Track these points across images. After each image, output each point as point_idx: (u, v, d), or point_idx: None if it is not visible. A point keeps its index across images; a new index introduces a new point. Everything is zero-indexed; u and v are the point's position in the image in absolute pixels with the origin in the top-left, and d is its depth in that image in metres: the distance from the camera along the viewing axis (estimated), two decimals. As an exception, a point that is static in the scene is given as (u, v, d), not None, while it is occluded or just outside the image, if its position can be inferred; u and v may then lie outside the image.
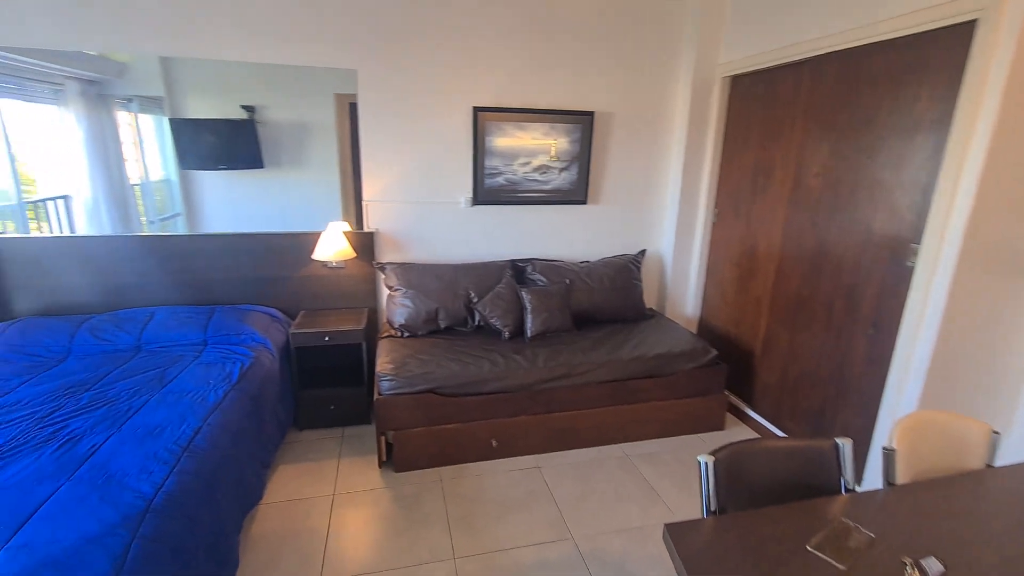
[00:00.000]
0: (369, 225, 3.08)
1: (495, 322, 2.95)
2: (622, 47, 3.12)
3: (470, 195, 3.16)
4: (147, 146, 3.02)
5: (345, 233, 2.95)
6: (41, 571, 1.23)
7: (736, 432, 2.98)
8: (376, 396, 2.46)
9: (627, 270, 3.28)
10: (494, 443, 2.61)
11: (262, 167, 2.98)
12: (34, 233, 2.82)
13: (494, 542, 2.09)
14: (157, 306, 2.84)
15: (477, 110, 2.99)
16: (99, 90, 2.82)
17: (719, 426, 2.95)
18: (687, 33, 3.14)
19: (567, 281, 3.16)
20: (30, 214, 2.88)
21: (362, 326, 2.83)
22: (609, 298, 3.18)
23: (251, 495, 2.08)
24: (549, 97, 3.10)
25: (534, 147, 3.15)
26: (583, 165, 3.24)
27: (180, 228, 3.03)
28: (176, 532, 1.47)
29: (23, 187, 2.88)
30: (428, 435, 2.51)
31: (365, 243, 3.07)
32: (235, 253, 2.93)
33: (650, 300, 3.61)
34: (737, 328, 3.14)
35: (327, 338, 2.75)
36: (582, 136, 3.18)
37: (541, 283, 3.15)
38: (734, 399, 3.17)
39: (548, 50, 3.02)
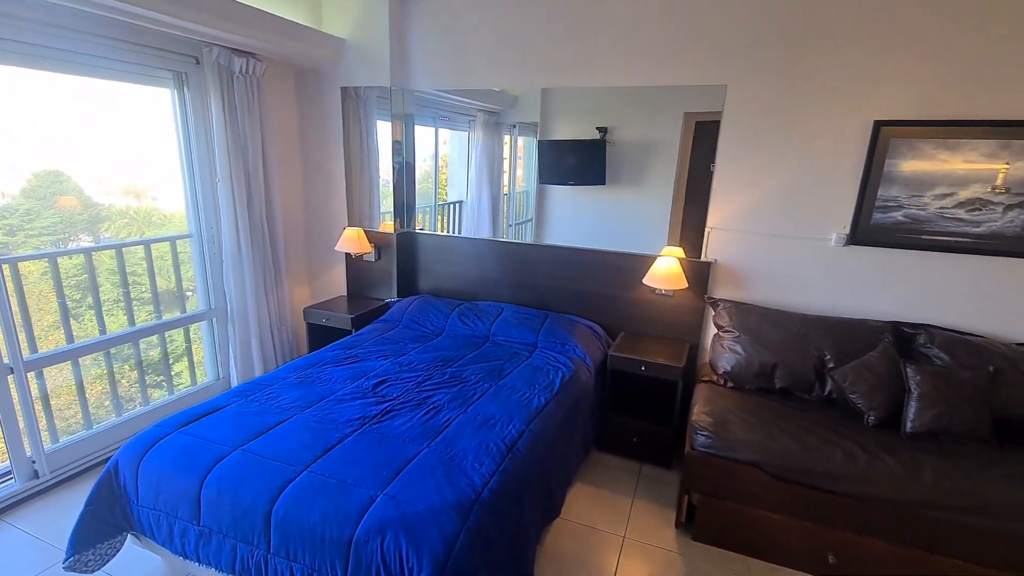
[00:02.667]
0: (707, 254, 2.80)
1: (856, 400, 2.26)
2: None
3: (845, 231, 2.50)
4: (518, 163, 3.58)
5: (679, 259, 2.76)
6: (397, 526, 1.46)
7: None
8: (687, 449, 2.19)
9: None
10: (831, 559, 1.99)
11: (603, 184, 3.14)
12: (436, 230, 3.64)
13: None
14: (504, 303, 3.28)
15: (880, 124, 2.33)
16: (496, 119, 3.51)
17: None
18: None
19: (990, 368, 2.17)
20: (438, 215, 3.77)
21: (682, 363, 2.59)
22: (1075, 411, 2.03)
23: (552, 509, 2.13)
24: (1005, 103, 2.16)
25: (965, 173, 2.26)
26: (1056, 202, 2.15)
27: (528, 232, 3.48)
28: (491, 531, 1.57)
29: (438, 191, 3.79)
30: (742, 515, 2.10)
31: (699, 273, 2.80)
32: (570, 265, 3.12)
33: None
34: None
35: (643, 368, 2.63)
36: (1064, 159, 2.10)
37: (940, 362, 2.26)
38: None
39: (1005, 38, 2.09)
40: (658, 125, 2.94)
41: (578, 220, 3.32)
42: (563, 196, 3.35)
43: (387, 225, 3.54)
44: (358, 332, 3.04)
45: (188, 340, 3.16)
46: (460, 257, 3.43)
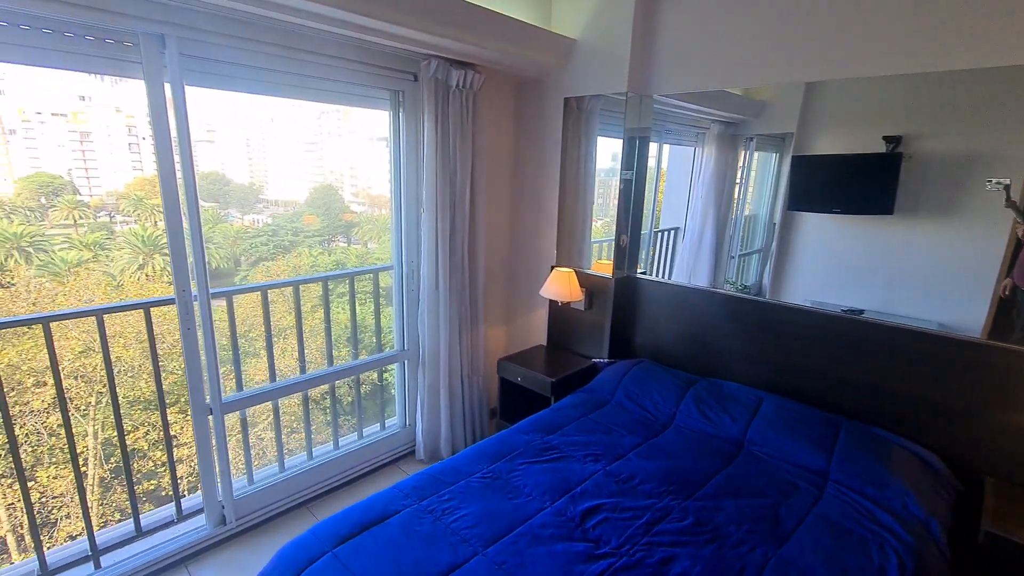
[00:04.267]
0: None
1: None
2: None
3: None
4: (749, 183, 2.66)
5: None
6: None
7: None
8: None
9: None
10: None
11: (890, 213, 2.04)
12: (647, 263, 2.81)
13: None
14: (756, 387, 2.30)
15: None
16: (733, 131, 2.60)
17: None
18: None
19: None
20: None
21: None
22: None
23: None
24: None
25: None
26: None
27: (753, 267, 2.56)
28: None
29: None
30: None
31: None
32: (849, 342, 2.03)
33: None
34: None
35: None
36: None
37: None
38: None
39: None
40: (989, 130, 1.78)
41: (845, 262, 2.20)
42: (822, 228, 2.31)
43: (602, 265, 2.85)
44: (559, 404, 2.40)
45: (381, 380, 2.92)
46: (692, 312, 2.56)
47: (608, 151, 2.84)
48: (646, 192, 2.78)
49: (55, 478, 8.44)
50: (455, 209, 2.59)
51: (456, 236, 2.62)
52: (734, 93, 2.47)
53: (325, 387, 2.62)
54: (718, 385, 2.36)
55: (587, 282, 2.78)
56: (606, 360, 2.74)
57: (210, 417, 2.09)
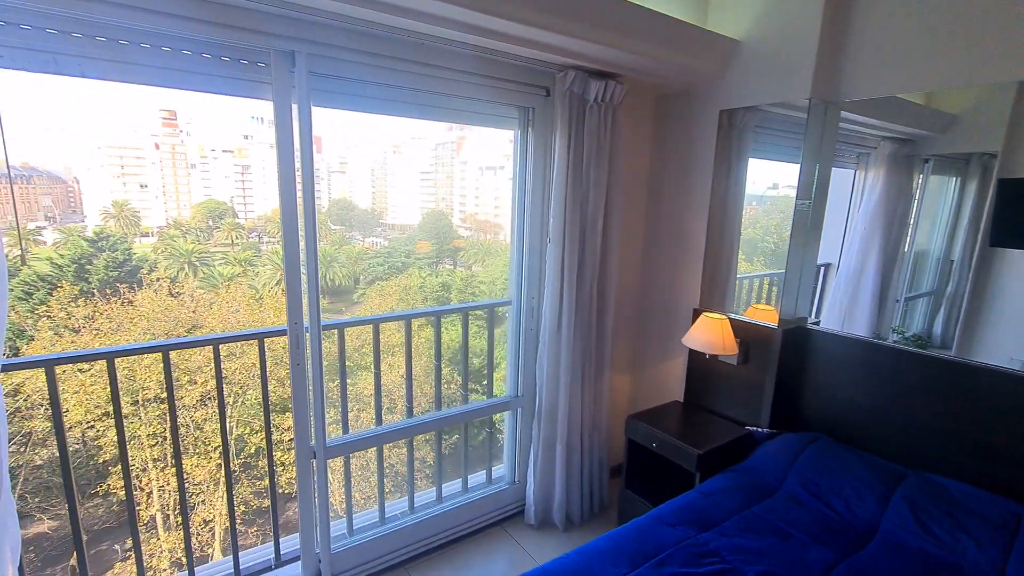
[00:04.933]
0: None
1: None
2: None
3: None
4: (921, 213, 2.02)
5: None
6: None
7: None
8: None
9: None
10: None
11: None
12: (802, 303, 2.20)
13: None
14: (980, 488, 1.64)
15: None
16: (909, 150, 2.05)
17: None
18: None
19: None
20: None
21: None
22: None
23: None
24: None
25: None
26: None
27: (920, 313, 2.01)
28: None
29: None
30: None
31: None
32: None
33: None
34: None
35: None
36: None
37: None
38: None
39: None
40: None
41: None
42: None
43: (760, 311, 2.33)
44: (709, 486, 1.91)
45: (491, 426, 2.63)
46: (880, 375, 1.95)
47: (762, 175, 2.36)
48: (782, 222, 2.25)
49: (196, 467, 9.42)
50: (584, 240, 2.25)
51: (585, 271, 2.28)
52: (914, 103, 1.91)
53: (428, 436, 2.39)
54: (939, 486, 1.72)
55: (743, 331, 2.27)
56: (766, 430, 2.19)
57: (313, 461, 1.92)
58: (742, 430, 2.23)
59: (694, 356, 2.48)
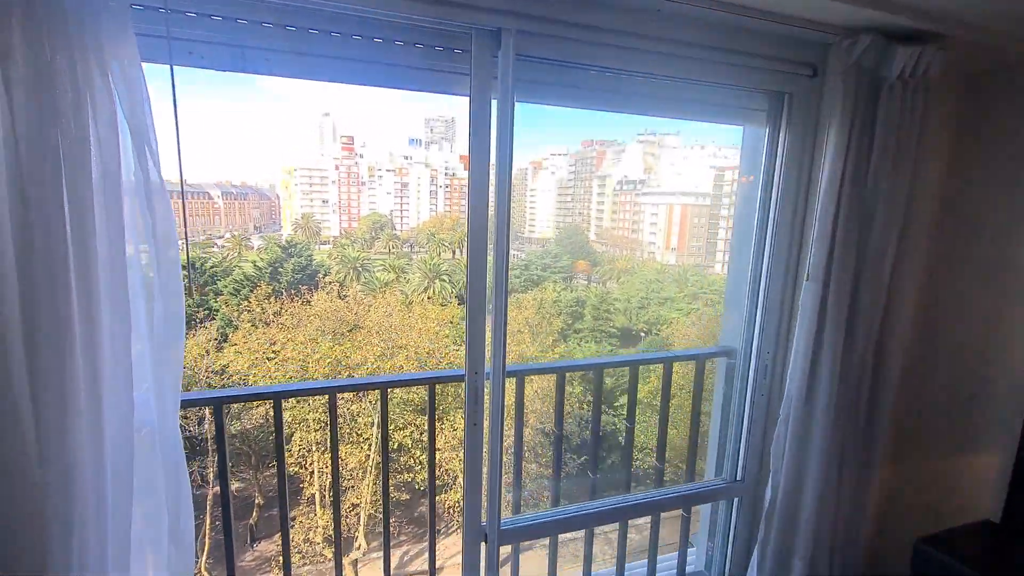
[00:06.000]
0: None
1: None
2: None
3: None
4: None
5: None
6: None
7: None
8: None
9: None
10: None
11: None
12: None
13: None
14: None
15: None
16: None
17: None
18: None
19: None
20: None
21: None
22: None
23: None
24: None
25: None
26: None
27: None
28: None
29: None
30: None
31: None
32: None
33: None
34: None
35: None
36: None
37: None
38: None
39: None
40: None
41: None
42: None
43: None
44: None
45: (687, 515, 2.03)
46: None
47: None
48: None
49: (349, 455, 10.23)
50: (860, 279, 1.57)
51: (857, 324, 1.59)
52: None
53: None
54: None
55: None
56: None
57: (483, 544, 1.53)
58: None
59: (1029, 459, 1.61)
